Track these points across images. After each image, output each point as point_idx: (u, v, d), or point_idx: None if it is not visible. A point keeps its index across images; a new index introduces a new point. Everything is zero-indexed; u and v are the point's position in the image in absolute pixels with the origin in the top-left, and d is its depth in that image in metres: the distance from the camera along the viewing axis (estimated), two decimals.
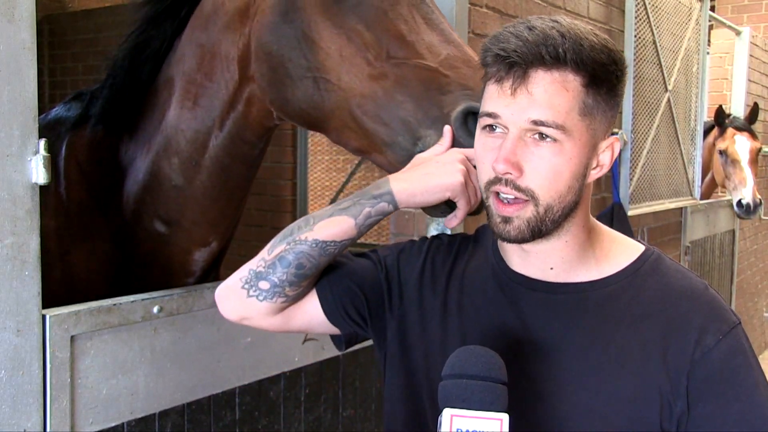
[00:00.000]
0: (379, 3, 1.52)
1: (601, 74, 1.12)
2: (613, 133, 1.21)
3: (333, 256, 1.31)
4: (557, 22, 1.12)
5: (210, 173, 1.83)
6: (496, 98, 1.13)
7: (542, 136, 1.11)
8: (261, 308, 1.30)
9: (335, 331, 1.39)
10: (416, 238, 1.45)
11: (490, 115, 1.14)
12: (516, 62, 1.10)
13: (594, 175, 1.19)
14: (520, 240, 1.16)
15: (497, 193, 1.15)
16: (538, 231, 1.15)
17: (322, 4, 1.55)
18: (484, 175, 1.17)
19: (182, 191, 1.85)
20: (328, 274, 1.36)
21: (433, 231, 2.44)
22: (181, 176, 1.84)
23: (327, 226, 1.28)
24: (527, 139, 1.12)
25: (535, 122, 1.10)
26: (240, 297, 1.31)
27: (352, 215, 1.28)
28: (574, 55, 1.09)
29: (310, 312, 1.36)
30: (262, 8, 1.66)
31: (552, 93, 1.10)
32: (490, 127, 1.16)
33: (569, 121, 1.11)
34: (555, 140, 1.11)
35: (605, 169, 1.21)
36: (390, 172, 1.40)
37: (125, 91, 1.89)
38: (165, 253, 1.91)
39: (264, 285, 1.28)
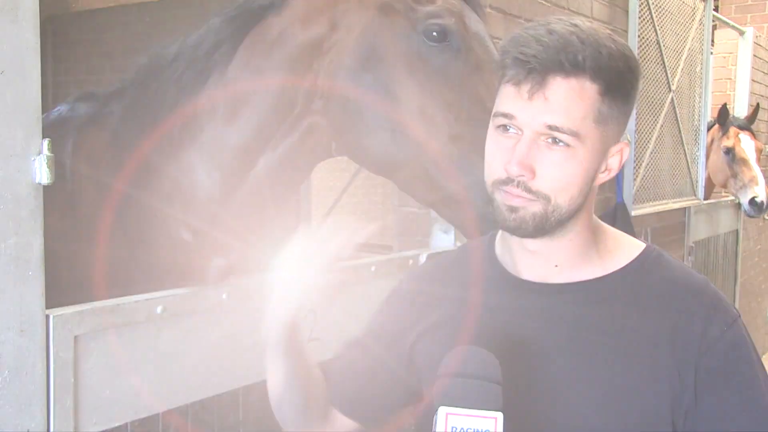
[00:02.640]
0: (462, 66, 1.56)
1: (618, 83, 1.13)
2: None
3: None
4: (577, 26, 1.12)
5: (252, 191, 1.81)
6: (512, 100, 1.14)
7: (556, 141, 1.12)
8: None
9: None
10: (421, 257, 1.46)
11: (505, 115, 1.15)
12: (535, 68, 1.10)
13: (602, 178, 1.20)
14: (522, 232, 1.17)
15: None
16: (541, 228, 1.16)
17: (406, 59, 1.57)
18: (494, 173, 1.17)
19: (218, 204, 1.83)
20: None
21: (436, 231, 2.44)
22: (220, 190, 1.82)
23: None
24: (540, 142, 1.13)
25: (550, 127, 1.11)
26: None
27: None
28: (592, 62, 1.10)
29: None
30: (338, 48, 1.65)
31: (569, 100, 1.11)
32: (504, 127, 1.16)
33: (583, 128, 1.12)
34: (568, 145, 1.12)
35: (613, 173, 1.22)
36: (455, 226, 1.48)
37: (156, 99, 1.83)
38: (184, 261, 1.90)
39: None
